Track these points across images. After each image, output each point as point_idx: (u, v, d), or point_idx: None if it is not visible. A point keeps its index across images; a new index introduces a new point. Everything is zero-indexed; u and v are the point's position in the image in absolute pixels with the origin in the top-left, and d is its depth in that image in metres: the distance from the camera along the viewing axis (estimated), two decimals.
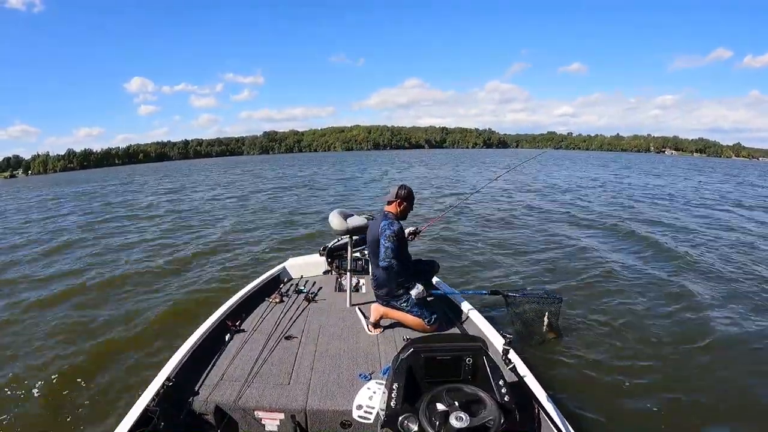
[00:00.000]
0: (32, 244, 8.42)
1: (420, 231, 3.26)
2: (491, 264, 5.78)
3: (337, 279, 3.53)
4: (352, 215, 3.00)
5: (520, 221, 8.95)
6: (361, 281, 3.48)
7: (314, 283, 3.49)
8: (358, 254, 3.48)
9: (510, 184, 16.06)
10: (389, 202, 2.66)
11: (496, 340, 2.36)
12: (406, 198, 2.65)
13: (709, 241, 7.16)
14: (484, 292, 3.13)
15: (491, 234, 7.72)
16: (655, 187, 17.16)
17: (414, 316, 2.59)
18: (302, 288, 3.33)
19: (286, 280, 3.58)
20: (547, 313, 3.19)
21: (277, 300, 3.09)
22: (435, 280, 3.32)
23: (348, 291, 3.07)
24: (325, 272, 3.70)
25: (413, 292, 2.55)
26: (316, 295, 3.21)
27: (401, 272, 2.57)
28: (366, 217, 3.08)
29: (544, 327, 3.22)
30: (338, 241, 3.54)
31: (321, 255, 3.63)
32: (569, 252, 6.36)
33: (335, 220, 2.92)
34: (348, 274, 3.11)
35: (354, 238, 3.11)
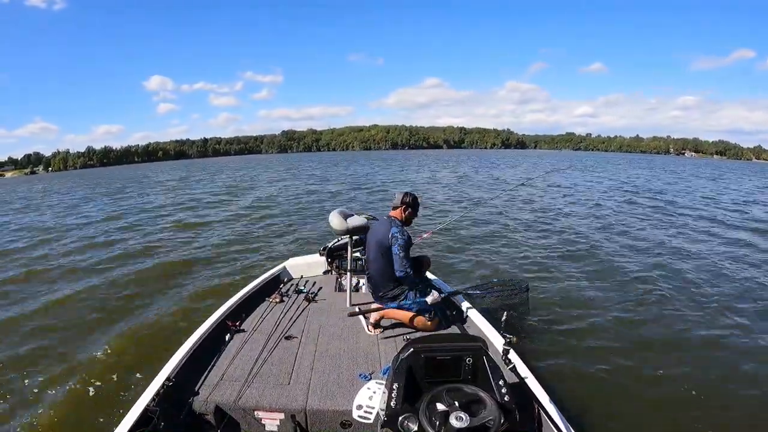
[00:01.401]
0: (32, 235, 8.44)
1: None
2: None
3: (337, 279, 3.53)
4: (353, 215, 3.01)
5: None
6: (361, 281, 3.48)
7: (314, 283, 3.49)
8: (358, 254, 3.48)
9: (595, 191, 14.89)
10: (394, 207, 2.68)
11: (496, 340, 2.36)
12: (412, 205, 2.67)
13: None
14: (444, 294, 2.70)
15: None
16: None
17: (414, 313, 2.59)
18: (302, 288, 3.33)
19: (286, 280, 3.58)
20: (516, 303, 2.88)
21: (277, 300, 3.09)
22: (432, 277, 3.32)
23: (348, 291, 3.07)
24: (325, 272, 3.70)
25: (429, 299, 2.54)
26: (316, 295, 3.21)
27: (393, 276, 2.61)
28: (366, 217, 3.08)
29: (503, 320, 2.99)
30: (338, 241, 3.54)
31: (321, 255, 3.63)
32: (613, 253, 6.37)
33: (335, 220, 2.92)
34: (348, 274, 3.11)
35: (354, 238, 3.11)
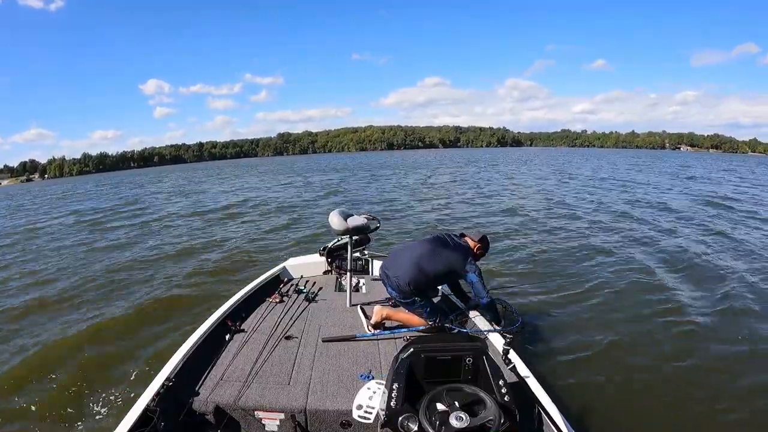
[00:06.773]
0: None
1: None
2: None
3: (337, 279, 3.54)
4: (352, 215, 3.01)
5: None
6: (361, 281, 3.48)
7: (314, 283, 3.49)
8: (358, 254, 3.48)
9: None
10: (470, 237, 2.85)
11: (496, 340, 2.36)
12: (484, 247, 2.88)
13: None
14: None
15: None
16: None
17: (419, 315, 2.61)
18: (302, 288, 3.33)
19: (286, 280, 3.58)
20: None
21: (277, 300, 3.09)
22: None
23: (348, 291, 3.08)
24: (325, 272, 3.70)
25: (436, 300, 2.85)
26: (316, 295, 3.21)
27: (432, 286, 2.82)
28: (366, 217, 3.08)
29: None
30: (338, 241, 3.54)
31: (321, 255, 3.63)
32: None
33: (335, 220, 2.92)
34: (348, 274, 3.11)
35: (354, 238, 3.10)
